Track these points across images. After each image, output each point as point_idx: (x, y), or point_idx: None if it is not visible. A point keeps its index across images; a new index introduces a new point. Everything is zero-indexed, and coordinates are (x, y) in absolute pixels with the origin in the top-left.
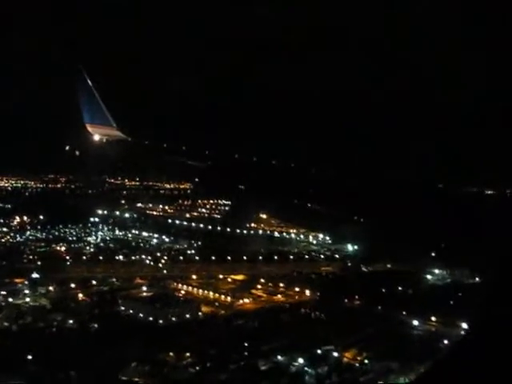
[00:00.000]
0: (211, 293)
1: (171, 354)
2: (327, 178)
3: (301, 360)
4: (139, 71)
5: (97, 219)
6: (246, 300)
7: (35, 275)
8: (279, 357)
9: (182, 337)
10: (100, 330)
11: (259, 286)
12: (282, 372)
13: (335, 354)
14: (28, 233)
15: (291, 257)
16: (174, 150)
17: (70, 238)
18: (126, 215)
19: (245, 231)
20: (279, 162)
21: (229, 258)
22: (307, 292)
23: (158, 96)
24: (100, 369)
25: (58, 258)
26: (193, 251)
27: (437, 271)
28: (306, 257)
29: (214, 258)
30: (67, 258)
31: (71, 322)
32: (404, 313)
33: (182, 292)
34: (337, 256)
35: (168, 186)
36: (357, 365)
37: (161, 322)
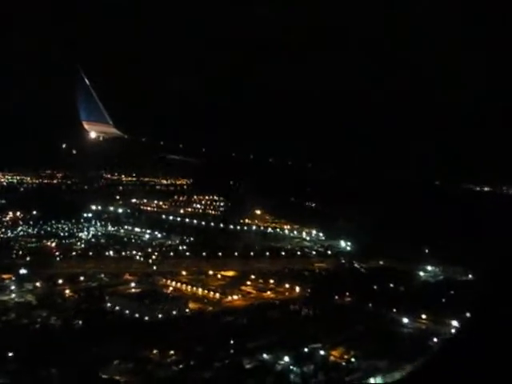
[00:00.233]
0: (200, 289)
1: (155, 351)
2: (324, 176)
3: (286, 358)
4: (139, 71)
5: (90, 215)
6: (235, 297)
7: (23, 271)
8: (265, 355)
9: (167, 334)
10: (84, 327)
11: (249, 283)
12: (267, 370)
13: (322, 353)
14: (20, 228)
15: (283, 253)
16: (171, 147)
17: (62, 234)
18: (120, 211)
19: (238, 227)
20: (276, 160)
21: (220, 253)
22: (297, 289)
23: (156, 95)
24: (81, 366)
25: (48, 254)
26: (184, 247)
27: (429, 268)
28: (299, 253)
29: (205, 253)
30: (57, 253)
31: (56, 318)
32: (394, 310)
33: (171, 288)
34: (329, 252)
35: (164, 181)
36: (343, 363)
37: (147, 318)
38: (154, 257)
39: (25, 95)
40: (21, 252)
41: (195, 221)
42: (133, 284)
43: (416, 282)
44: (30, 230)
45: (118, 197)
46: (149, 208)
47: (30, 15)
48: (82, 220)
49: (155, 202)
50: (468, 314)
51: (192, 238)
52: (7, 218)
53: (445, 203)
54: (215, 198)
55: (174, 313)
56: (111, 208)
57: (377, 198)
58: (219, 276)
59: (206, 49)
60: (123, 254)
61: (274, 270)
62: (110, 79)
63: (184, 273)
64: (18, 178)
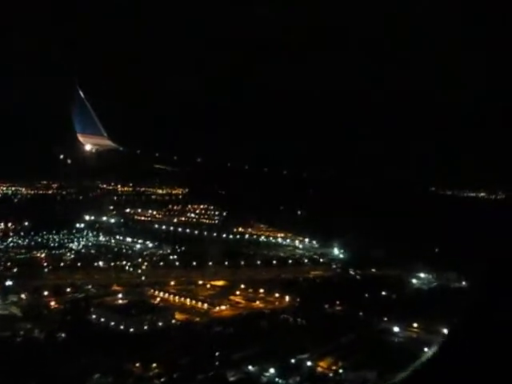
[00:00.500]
0: (188, 299)
1: (138, 364)
2: (322, 178)
3: (272, 370)
4: (139, 71)
5: (82, 225)
6: (223, 307)
7: (9, 283)
8: (250, 367)
9: (151, 346)
10: (67, 340)
11: (238, 292)
12: (251, 383)
13: (309, 364)
14: (10, 239)
15: (274, 261)
16: (166, 158)
17: (52, 245)
18: (113, 221)
19: (231, 236)
20: (271, 168)
21: (210, 263)
22: (287, 298)
23: (156, 95)
24: (61, 381)
25: (36, 265)
26: (175, 256)
27: (422, 275)
28: (290, 261)
29: (195, 263)
30: (45, 264)
31: (39, 331)
32: (385, 319)
33: (158, 299)
34: (321, 260)
35: (160, 191)
36: (330, 375)
37: (132, 330)
38: (143, 267)
39: (25, 97)
40: (9, 263)
41: (188, 230)
42: (120, 295)
43: (409, 289)
44: (20, 241)
45: (111, 207)
46: (142, 218)
47: (30, 15)
48: (73, 230)
49: (149, 211)
50: (461, 320)
51: (184, 248)
52: None
53: (440, 209)
54: (210, 207)
55: (160, 324)
56: (104, 218)
57: (372, 204)
58: (208, 286)
59: (205, 49)
60: (112, 264)
61: (265, 278)
62: (109, 79)
63: (173, 283)
64: (13, 188)
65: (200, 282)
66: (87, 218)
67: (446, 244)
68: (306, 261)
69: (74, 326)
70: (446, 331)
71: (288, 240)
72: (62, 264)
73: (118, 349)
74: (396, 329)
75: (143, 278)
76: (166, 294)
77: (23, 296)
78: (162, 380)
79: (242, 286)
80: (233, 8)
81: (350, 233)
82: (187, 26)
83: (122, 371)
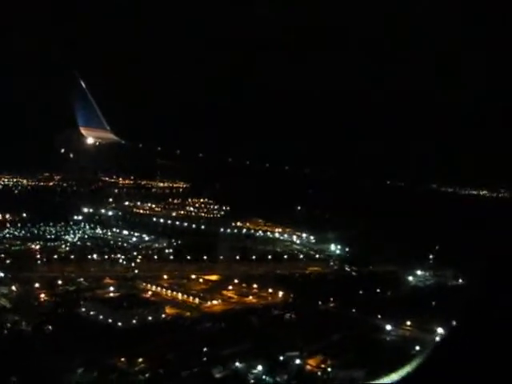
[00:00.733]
0: (180, 294)
1: (123, 359)
2: (322, 177)
3: (260, 367)
4: (139, 71)
5: (80, 217)
6: (215, 302)
7: (0, 274)
8: (238, 363)
9: (139, 341)
10: (54, 333)
11: (231, 287)
12: (238, 380)
13: (298, 361)
14: (6, 230)
15: (270, 256)
16: (168, 153)
17: (48, 237)
18: (111, 213)
19: (228, 230)
20: (272, 164)
21: (205, 257)
22: (281, 293)
23: (156, 95)
24: (43, 375)
25: (30, 257)
26: (170, 250)
27: (419, 272)
28: (285, 256)
29: (189, 257)
30: (39, 256)
31: (26, 323)
32: (379, 316)
33: (150, 293)
34: (317, 256)
35: (161, 184)
36: (319, 373)
37: (120, 324)
38: (137, 260)
39: (25, 95)
40: (2, 255)
41: (186, 224)
42: (112, 288)
43: (404, 286)
44: (16, 233)
45: (111, 199)
46: (141, 211)
47: (30, 15)
48: (70, 222)
49: (148, 204)
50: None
51: (180, 241)
52: None
53: (439, 207)
54: (209, 201)
55: (150, 318)
56: (102, 210)
57: (371, 201)
58: (201, 280)
59: (205, 49)
60: (106, 257)
61: (259, 273)
62: (109, 79)
63: (165, 277)
64: (15, 180)
65: (193, 276)
66: (85, 210)
67: (445, 242)
68: (301, 256)
69: (61, 319)
70: (440, 330)
71: (285, 235)
72: (55, 256)
73: (103, 343)
74: (389, 327)
75: (136, 271)
76: (158, 288)
77: (13, 288)
78: (147, 375)
79: (236, 281)
80: (233, 8)
81: (348, 230)
82: (187, 25)
83: (107, 366)
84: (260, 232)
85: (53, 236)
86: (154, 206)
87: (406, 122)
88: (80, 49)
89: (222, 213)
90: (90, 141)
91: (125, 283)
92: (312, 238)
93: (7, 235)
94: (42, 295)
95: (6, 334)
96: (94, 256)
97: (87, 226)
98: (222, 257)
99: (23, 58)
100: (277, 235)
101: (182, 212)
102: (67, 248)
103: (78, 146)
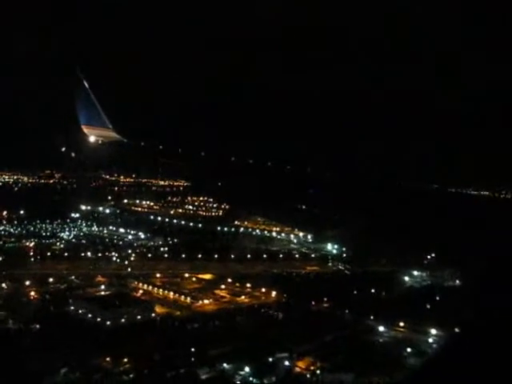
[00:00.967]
0: (171, 293)
1: (108, 358)
2: (322, 177)
3: (247, 369)
4: (139, 71)
5: (77, 215)
6: (207, 301)
7: None
8: (225, 364)
9: (126, 340)
10: (40, 331)
11: (224, 286)
12: (224, 382)
13: (287, 363)
14: (1, 228)
15: (265, 255)
16: (170, 151)
17: (44, 234)
18: (109, 211)
19: (226, 228)
20: (273, 163)
21: (200, 255)
22: (274, 293)
23: (156, 95)
24: (25, 375)
25: (24, 254)
26: (166, 248)
27: (416, 273)
28: (281, 256)
29: (184, 255)
30: (33, 254)
31: (13, 321)
32: (372, 317)
33: (141, 292)
34: (313, 255)
35: (162, 183)
36: (307, 376)
37: (108, 323)
38: (131, 258)
39: (27, 94)
40: None
41: (183, 222)
42: (103, 286)
43: (400, 287)
44: (12, 230)
45: (110, 197)
46: (139, 208)
47: (29, 15)
48: (67, 220)
49: (147, 202)
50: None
51: (176, 240)
52: None
53: (438, 207)
54: (209, 199)
55: (139, 317)
56: (100, 208)
57: (369, 201)
58: (194, 279)
59: (206, 49)
60: (100, 255)
61: (254, 272)
62: (111, 78)
63: (158, 275)
64: (15, 177)
65: (186, 275)
66: (83, 207)
67: (444, 242)
68: (298, 256)
69: (50, 318)
70: (433, 331)
71: (283, 234)
72: (49, 254)
73: (90, 342)
74: (381, 328)
75: (129, 269)
76: (150, 287)
77: (4, 285)
78: (131, 376)
79: (229, 280)
80: (233, 8)
81: (346, 229)
82: (188, 26)
83: (91, 366)
84: (258, 231)
85: (48, 233)
86: (152, 204)
87: (406, 122)
88: (83, 48)
89: (221, 211)
90: (92, 139)
91: (116, 281)
92: (309, 237)
93: (2, 232)
94: (33, 293)
95: None
96: (88, 254)
97: (83, 224)
98: (216, 255)
99: (26, 58)
100: (274, 234)
101: (181, 210)
102: (62, 246)
103: (80, 144)
